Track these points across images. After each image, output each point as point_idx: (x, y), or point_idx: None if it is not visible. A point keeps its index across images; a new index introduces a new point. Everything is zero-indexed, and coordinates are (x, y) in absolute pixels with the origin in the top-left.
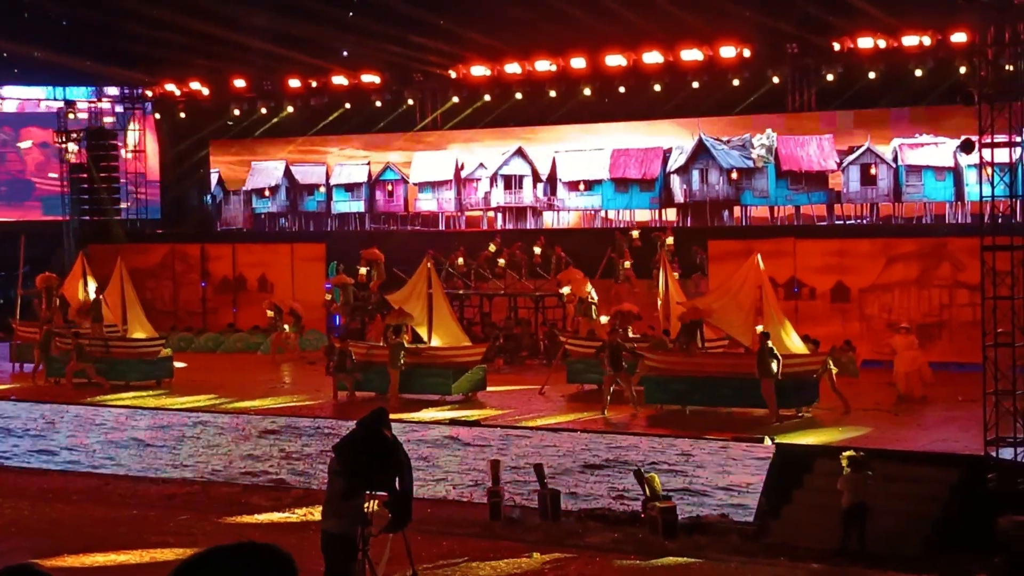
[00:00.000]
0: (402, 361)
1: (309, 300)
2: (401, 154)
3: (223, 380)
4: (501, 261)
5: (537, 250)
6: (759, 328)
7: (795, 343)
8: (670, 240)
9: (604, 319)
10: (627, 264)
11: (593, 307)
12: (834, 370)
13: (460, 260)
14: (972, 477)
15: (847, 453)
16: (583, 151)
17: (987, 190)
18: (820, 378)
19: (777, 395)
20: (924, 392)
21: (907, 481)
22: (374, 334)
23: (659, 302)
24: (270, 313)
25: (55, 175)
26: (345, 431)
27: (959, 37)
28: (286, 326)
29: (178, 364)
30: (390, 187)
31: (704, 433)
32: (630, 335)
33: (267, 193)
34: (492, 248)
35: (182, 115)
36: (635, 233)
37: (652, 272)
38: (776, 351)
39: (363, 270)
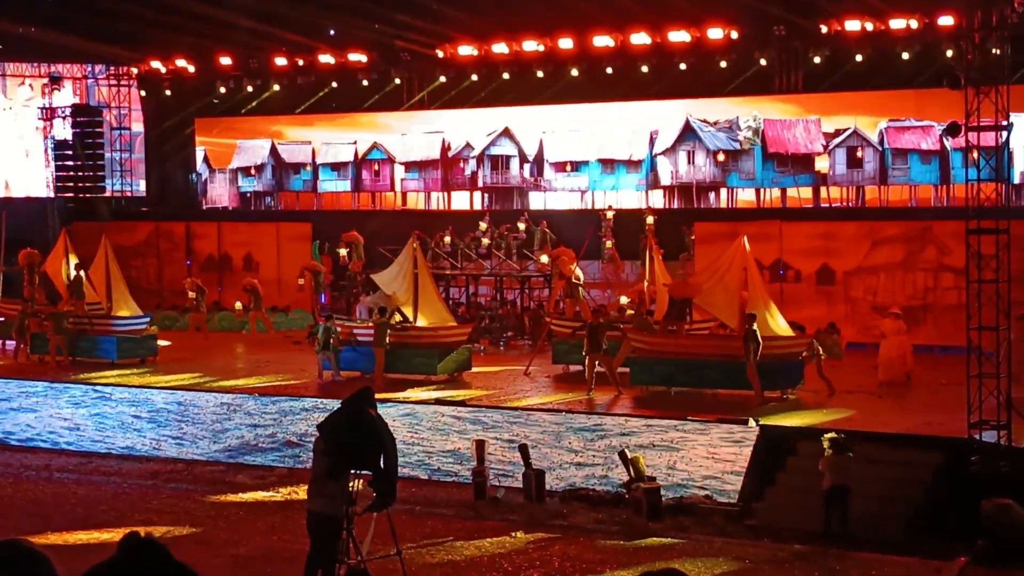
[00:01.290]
0: (387, 340)
1: (294, 278)
2: (388, 134)
3: (207, 359)
4: (486, 241)
5: (521, 226)
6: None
7: (780, 325)
8: (650, 220)
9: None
10: (608, 244)
11: (580, 288)
12: (823, 355)
13: (447, 239)
14: (955, 460)
15: (829, 435)
16: (571, 132)
17: (972, 174)
18: (809, 362)
19: (761, 377)
20: (905, 376)
21: (890, 464)
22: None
23: (645, 283)
24: (191, 293)
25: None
26: (330, 410)
27: (946, 20)
28: (238, 304)
29: (162, 343)
30: (376, 167)
31: (688, 414)
32: (612, 314)
33: (253, 172)
34: (483, 226)
35: (167, 92)
36: (609, 213)
37: (639, 253)
38: (758, 334)
39: (343, 251)
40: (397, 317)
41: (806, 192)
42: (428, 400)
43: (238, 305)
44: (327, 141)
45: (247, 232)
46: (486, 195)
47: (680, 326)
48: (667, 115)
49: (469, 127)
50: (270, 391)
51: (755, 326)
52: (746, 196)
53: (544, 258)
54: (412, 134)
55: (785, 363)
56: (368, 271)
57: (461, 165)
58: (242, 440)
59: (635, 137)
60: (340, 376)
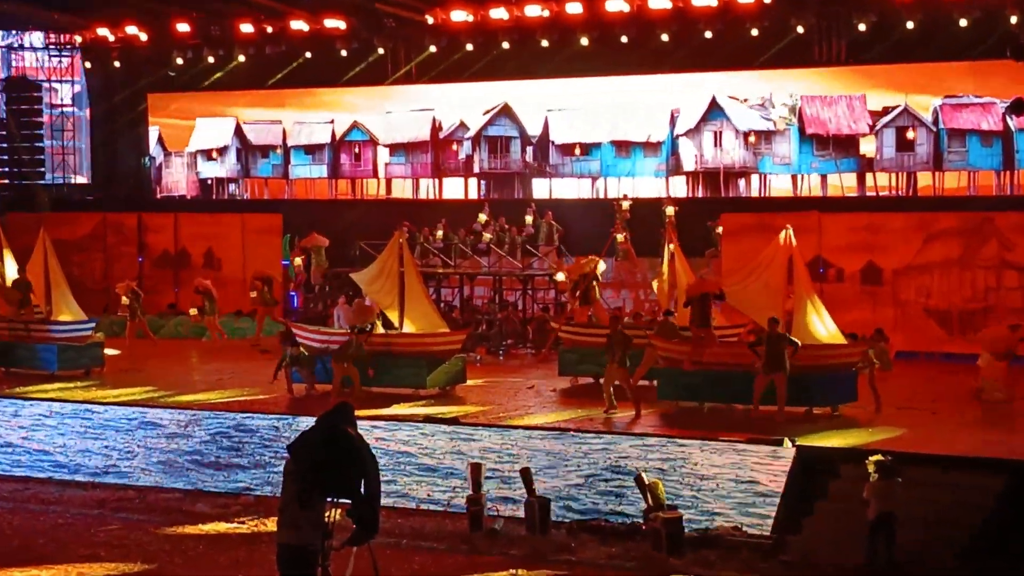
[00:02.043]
0: (359, 352)
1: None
2: (370, 112)
3: (162, 370)
4: (487, 236)
5: (528, 219)
6: (782, 314)
7: (828, 331)
8: (670, 211)
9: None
10: (620, 237)
11: (596, 289)
12: (876, 363)
13: (440, 233)
14: (1021, 484)
15: (874, 457)
16: (578, 110)
17: None
18: (861, 373)
19: (810, 391)
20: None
21: (945, 488)
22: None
23: (656, 282)
24: (125, 299)
25: None
26: (303, 429)
27: None
28: (193, 309)
29: (110, 351)
30: (357, 149)
31: (716, 434)
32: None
33: (214, 155)
34: (483, 218)
35: (116, 64)
36: (625, 204)
37: (659, 248)
38: (790, 339)
39: (298, 260)
40: (379, 328)
41: (849, 179)
42: (416, 417)
43: (193, 311)
44: (300, 120)
45: (208, 224)
46: (483, 182)
47: (709, 332)
48: (690, 90)
49: (463, 104)
50: (234, 407)
51: (778, 329)
52: (781, 183)
53: (560, 276)
54: (398, 112)
55: (836, 375)
56: (330, 281)
57: (454, 148)
58: (202, 464)
59: (654, 116)
60: (315, 390)
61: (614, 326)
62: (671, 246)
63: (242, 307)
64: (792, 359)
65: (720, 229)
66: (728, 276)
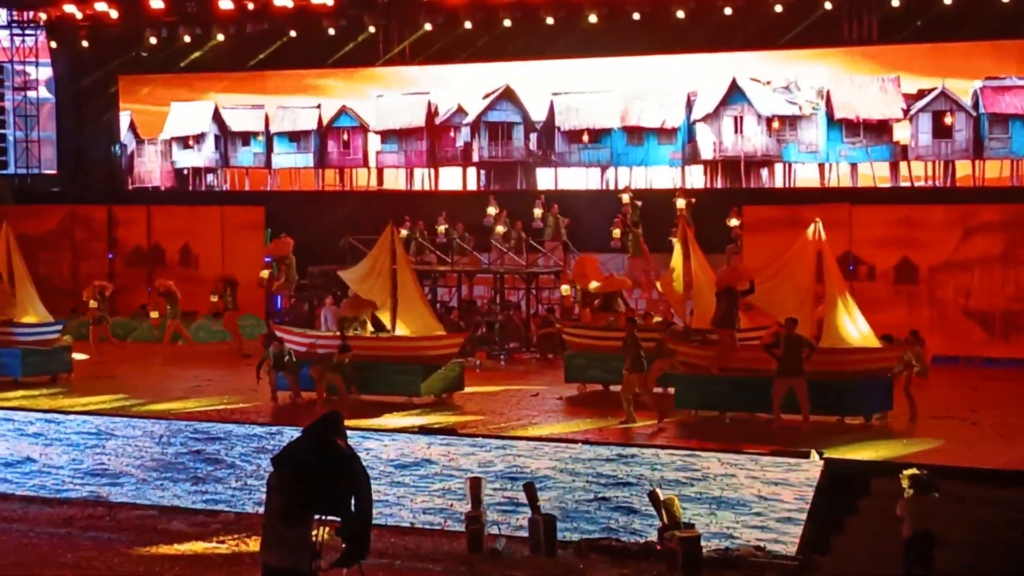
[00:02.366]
0: (342, 363)
1: (242, 276)
2: (360, 96)
3: (135, 376)
4: (500, 229)
5: (538, 212)
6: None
7: (861, 333)
8: (681, 203)
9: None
10: (616, 232)
11: (621, 302)
12: (916, 367)
13: (442, 228)
14: None
15: (909, 471)
16: (586, 93)
17: None
18: (896, 378)
19: (844, 398)
20: None
21: (986, 504)
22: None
23: (660, 282)
24: (92, 303)
25: None
26: (288, 440)
27: None
28: (154, 312)
29: (78, 356)
30: (346, 136)
31: (737, 446)
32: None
33: (191, 142)
34: (492, 211)
35: (84, 44)
36: (625, 197)
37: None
38: (806, 341)
39: (264, 273)
40: (369, 328)
41: (882, 168)
42: (410, 428)
43: (154, 313)
44: (284, 105)
45: (184, 218)
46: (482, 172)
47: (730, 335)
48: (709, 72)
49: (461, 87)
50: (212, 416)
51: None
52: (807, 173)
53: (565, 288)
54: (390, 96)
55: (870, 381)
56: (297, 295)
57: (451, 135)
58: (178, 478)
59: (669, 100)
60: (300, 398)
61: (629, 328)
62: (677, 240)
63: (222, 308)
64: (815, 364)
65: (735, 222)
66: (754, 275)
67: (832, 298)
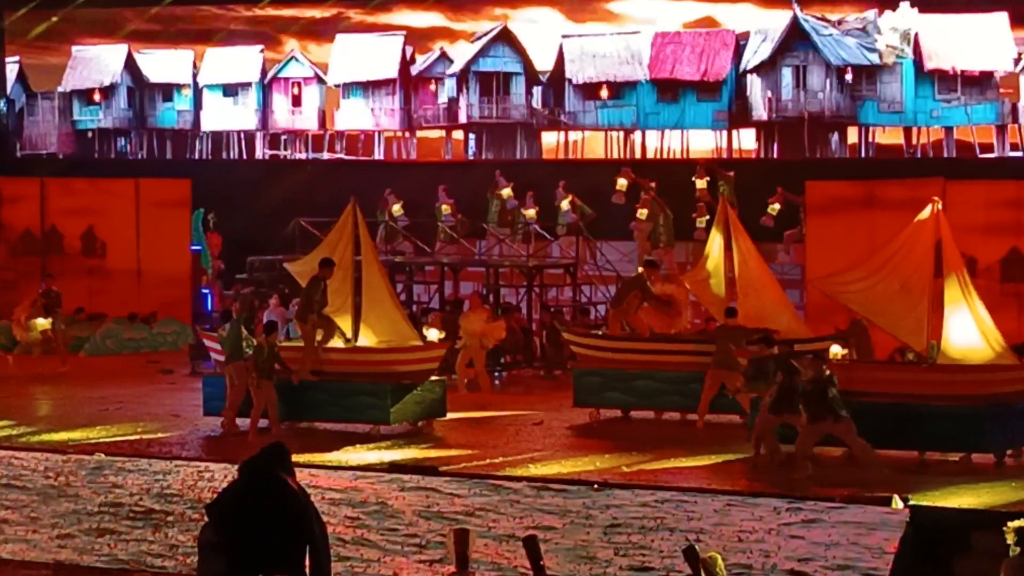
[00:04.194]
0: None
1: (163, 268)
2: (314, 38)
3: (27, 398)
4: (530, 212)
5: (565, 205)
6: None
7: (992, 346)
8: (701, 184)
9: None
10: (643, 214)
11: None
12: None
13: (445, 208)
14: None
15: (1015, 523)
16: (605, 36)
17: None
18: None
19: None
20: None
21: None
22: None
23: (689, 279)
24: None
25: None
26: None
27: None
28: (40, 320)
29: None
30: (296, 89)
31: (800, 490)
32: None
33: (97, 97)
34: (507, 192)
35: None
36: (621, 182)
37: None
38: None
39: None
40: (318, 336)
41: (985, 132)
42: (377, 465)
43: (40, 324)
44: (217, 49)
45: (88, 193)
46: (472, 135)
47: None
48: (761, 10)
49: (444, 27)
50: (125, 449)
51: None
52: (890, 139)
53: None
54: (354, 38)
55: (1008, 408)
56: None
57: (432, 88)
58: (77, 530)
59: (710, 45)
60: (234, 426)
61: (782, 351)
62: (717, 228)
63: (137, 309)
64: (930, 385)
65: (775, 207)
66: (847, 272)
67: (956, 300)
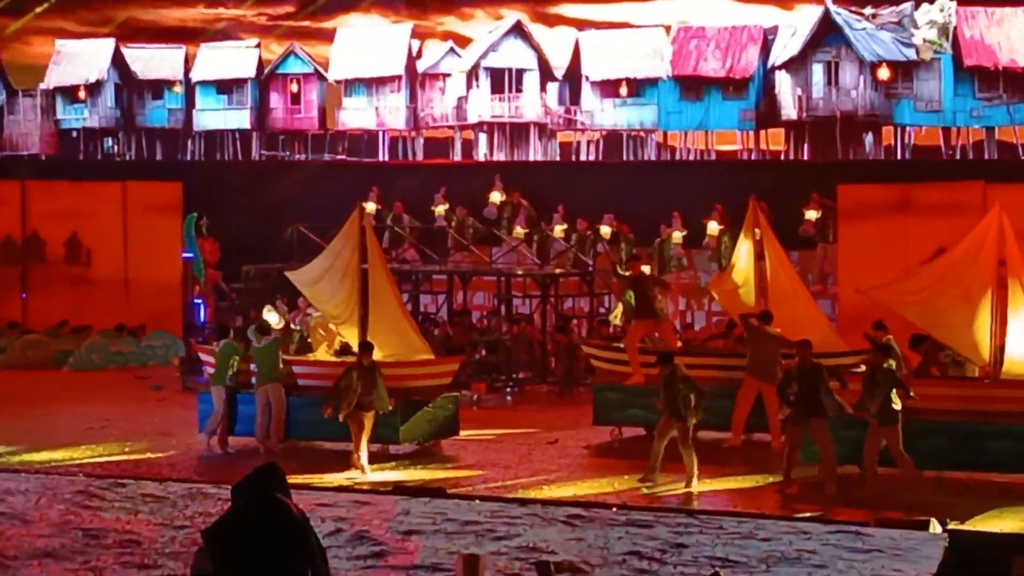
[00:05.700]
0: (231, 371)
1: (152, 277)
2: (314, 33)
3: (9, 415)
4: (559, 229)
5: (606, 230)
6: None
7: None
8: (713, 227)
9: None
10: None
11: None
12: None
13: (441, 208)
14: None
15: None
16: (624, 32)
17: None
18: None
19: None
20: None
21: None
22: None
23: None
24: None
25: None
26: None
27: None
28: None
29: None
30: (295, 86)
31: (830, 514)
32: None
33: (82, 95)
34: (497, 197)
35: None
36: (605, 229)
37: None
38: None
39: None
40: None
41: None
42: (383, 486)
43: None
44: (211, 44)
45: (72, 197)
46: (482, 135)
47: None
48: (791, 4)
49: (455, 21)
50: (113, 470)
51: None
52: (927, 140)
53: (616, 316)
54: (356, 32)
55: None
56: (230, 305)
57: (440, 85)
58: (72, 549)
59: (736, 40)
60: (229, 447)
61: (877, 361)
62: (745, 236)
63: (124, 320)
64: (991, 402)
65: (812, 214)
66: (905, 281)
67: (1019, 311)
